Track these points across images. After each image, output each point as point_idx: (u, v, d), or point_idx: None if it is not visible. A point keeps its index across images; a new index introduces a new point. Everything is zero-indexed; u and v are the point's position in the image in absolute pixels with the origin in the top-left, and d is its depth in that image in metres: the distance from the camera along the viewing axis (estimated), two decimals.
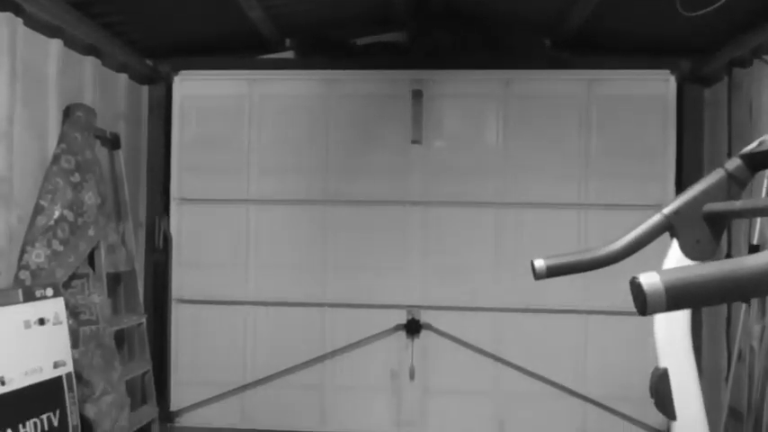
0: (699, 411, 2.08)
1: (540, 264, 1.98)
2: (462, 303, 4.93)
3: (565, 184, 4.89)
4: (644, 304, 1.07)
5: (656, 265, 1.65)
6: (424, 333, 4.96)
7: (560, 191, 4.89)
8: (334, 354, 4.99)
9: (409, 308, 4.97)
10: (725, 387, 4.06)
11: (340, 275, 5.01)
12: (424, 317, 4.96)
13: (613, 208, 4.64)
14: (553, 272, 2.03)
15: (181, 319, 5.11)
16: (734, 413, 3.88)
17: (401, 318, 4.98)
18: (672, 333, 2.08)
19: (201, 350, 5.08)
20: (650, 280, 1.06)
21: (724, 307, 4.29)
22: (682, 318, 2.08)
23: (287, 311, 5.05)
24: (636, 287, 1.08)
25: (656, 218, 1.88)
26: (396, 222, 4.99)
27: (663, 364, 2.06)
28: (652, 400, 2.07)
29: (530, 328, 4.89)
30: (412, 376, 4.93)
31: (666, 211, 1.86)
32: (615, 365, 4.79)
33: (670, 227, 1.89)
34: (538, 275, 2.02)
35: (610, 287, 4.74)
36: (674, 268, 1.13)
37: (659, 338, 2.06)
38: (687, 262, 1.86)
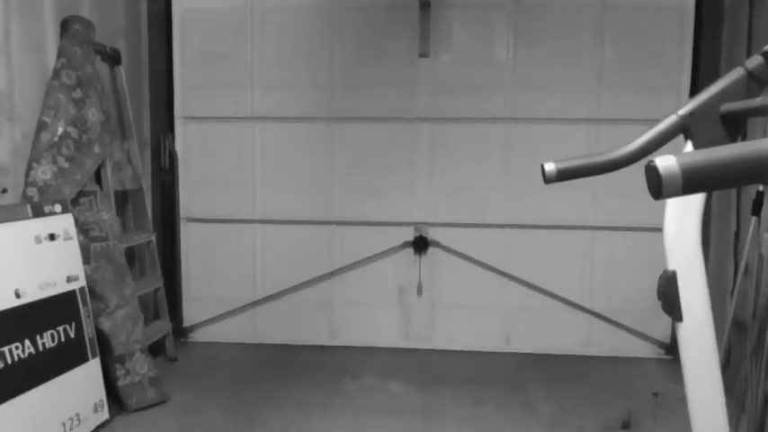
0: (705, 313, 2.09)
1: (550, 167, 1.93)
2: (470, 220, 4.93)
3: (576, 99, 4.78)
4: (659, 187, 1.03)
5: None
6: (431, 250, 4.98)
7: (571, 105, 4.78)
8: (342, 270, 5.05)
9: (417, 225, 4.97)
10: (730, 300, 4.09)
11: (347, 193, 4.99)
12: (432, 234, 4.98)
13: (626, 123, 4.56)
14: (563, 175, 1.98)
15: (190, 237, 5.16)
16: (738, 324, 3.92)
17: (409, 235, 4.99)
18: (682, 236, 2.06)
19: (212, 268, 5.15)
20: (666, 163, 1.02)
21: (733, 221, 4.28)
22: (692, 220, 2.06)
23: (295, 229, 5.07)
24: (651, 171, 1.04)
25: (670, 119, 1.82)
26: (403, 139, 4.92)
27: (671, 266, 2.06)
28: (659, 303, 2.09)
29: (537, 244, 4.90)
30: (420, 292, 4.99)
31: (681, 112, 1.80)
32: (621, 280, 4.83)
33: (685, 128, 1.84)
34: (548, 179, 1.97)
35: (617, 203, 4.78)
36: (691, 152, 1.09)
37: (669, 241, 2.05)
38: None
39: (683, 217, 2.06)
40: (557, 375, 4.47)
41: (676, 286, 2.06)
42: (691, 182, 1.02)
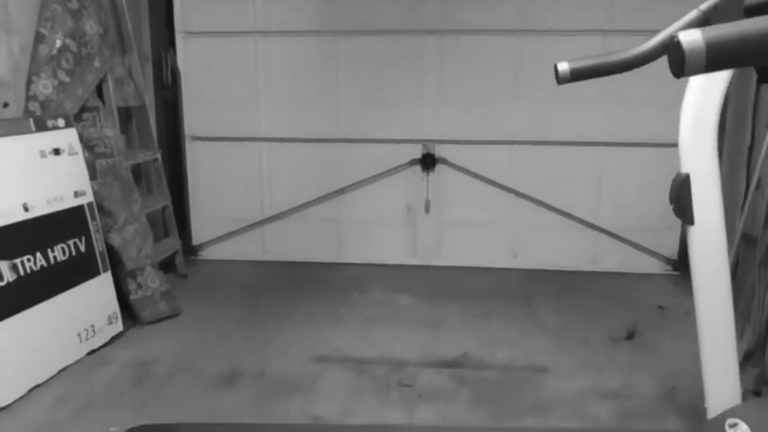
0: (717, 217, 2.07)
1: (563, 67, 1.85)
2: (478, 136, 4.85)
3: (589, 8, 4.60)
4: (681, 64, 0.97)
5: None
6: (439, 167, 4.94)
7: (584, 16, 4.61)
8: (349, 188, 5.03)
9: (424, 142, 4.91)
10: (740, 215, 4.06)
11: (353, 110, 4.91)
12: (439, 151, 4.92)
13: (642, 33, 4.37)
14: (577, 75, 1.90)
15: (196, 155, 5.12)
16: (747, 239, 3.91)
17: (416, 152, 4.94)
18: (697, 138, 2.01)
19: (219, 186, 5.14)
20: (690, 37, 0.96)
21: (747, 134, 4.19)
22: (708, 123, 2.00)
23: (301, 147, 5.02)
24: (674, 46, 0.98)
25: (691, 14, 1.74)
26: (410, 53, 4.79)
27: (685, 169, 2.02)
28: (671, 207, 2.06)
29: (545, 161, 4.84)
30: (427, 209, 4.99)
31: (703, 6, 1.71)
32: (630, 197, 4.80)
33: (706, 22, 1.75)
34: (561, 79, 1.89)
35: (628, 117, 4.68)
36: (716, 26, 1.02)
37: (683, 143, 2.00)
38: None
39: (699, 119, 2.01)
40: (563, 290, 4.52)
41: (689, 189, 2.03)
42: (715, 57, 0.97)
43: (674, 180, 2.05)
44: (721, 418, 2.20)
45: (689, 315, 3.96)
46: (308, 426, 2.74)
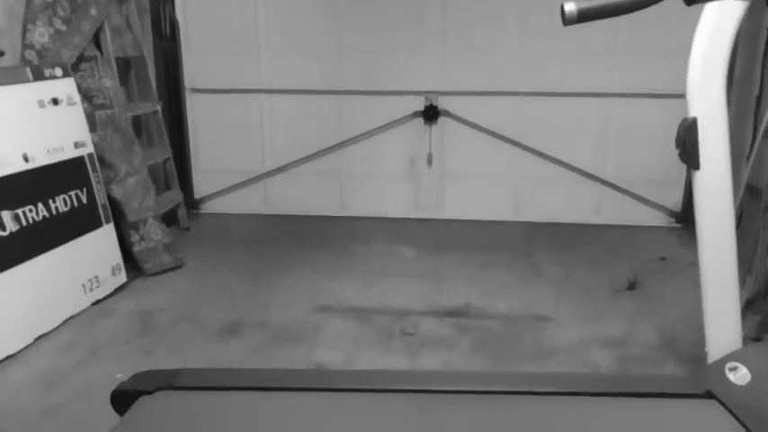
0: (724, 161, 2.04)
1: (570, 7, 1.80)
2: (482, 88, 4.78)
3: None
4: None
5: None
6: (441, 119, 4.88)
7: None
8: (351, 141, 4.99)
9: (427, 94, 4.84)
10: (745, 165, 4.03)
11: (355, 61, 4.82)
12: (442, 103, 4.85)
13: None
14: (584, 16, 1.85)
15: (196, 108, 5.06)
16: (751, 190, 3.88)
17: (419, 104, 4.87)
18: (706, 81, 1.97)
19: (220, 139, 5.10)
20: None
21: (756, 84, 4.13)
22: (717, 66, 1.96)
23: (302, 99, 4.96)
24: None
25: None
26: (413, 2, 4.67)
27: (692, 113, 1.98)
28: (677, 151, 2.03)
29: (550, 113, 4.78)
30: (430, 162, 4.95)
31: None
32: (635, 149, 4.75)
33: None
34: (567, 20, 1.84)
35: (635, 68, 4.59)
36: None
37: (692, 85, 1.96)
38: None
39: (708, 62, 1.96)
40: (565, 242, 4.51)
41: (696, 133, 2.00)
42: None
43: (680, 124, 2.02)
44: (722, 362, 2.21)
45: (691, 266, 3.97)
46: (310, 371, 2.77)
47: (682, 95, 2.00)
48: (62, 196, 3.33)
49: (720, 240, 2.22)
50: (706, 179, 2.07)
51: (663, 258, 4.16)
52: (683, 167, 4.39)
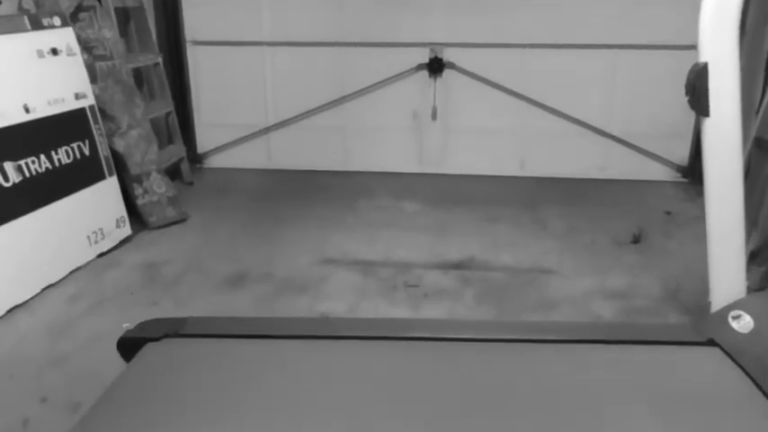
0: (734, 108, 2.00)
1: None
2: (488, 40, 4.69)
3: None
4: None
5: None
6: (446, 72, 4.80)
7: None
8: (355, 95, 4.92)
9: (432, 46, 4.75)
10: (755, 117, 3.97)
11: (359, 12, 4.72)
12: (447, 55, 4.77)
13: None
14: None
15: (198, 61, 4.99)
16: (760, 143, 3.83)
17: (423, 56, 4.79)
18: (718, 25, 1.92)
19: (222, 93, 5.04)
20: None
21: (766, 38, 4.03)
22: (730, 11, 1.91)
23: (305, 52, 4.87)
24: None
25: None
26: None
27: (703, 58, 1.94)
28: (687, 98, 2.00)
29: (556, 65, 4.69)
30: (434, 116, 4.90)
31: None
32: (643, 102, 4.67)
33: None
34: None
35: (643, 19, 4.49)
36: None
37: (703, 30, 1.91)
38: None
39: (721, 5, 1.91)
40: (571, 197, 4.49)
41: (706, 78, 1.96)
42: None
43: (691, 69, 1.98)
44: (725, 310, 2.21)
45: (697, 220, 3.96)
46: (315, 320, 2.79)
47: (693, 47, 1.96)
48: (64, 148, 3.31)
49: (727, 189, 2.20)
50: (715, 127, 2.04)
51: (668, 213, 4.14)
52: (692, 121, 4.38)
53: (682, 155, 4.74)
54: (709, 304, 2.38)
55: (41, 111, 3.18)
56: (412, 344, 2.23)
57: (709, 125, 2.04)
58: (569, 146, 4.86)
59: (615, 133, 4.79)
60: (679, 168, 4.76)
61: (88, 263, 3.45)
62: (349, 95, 4.93)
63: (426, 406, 1.87)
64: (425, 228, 3.96)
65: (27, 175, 3.06)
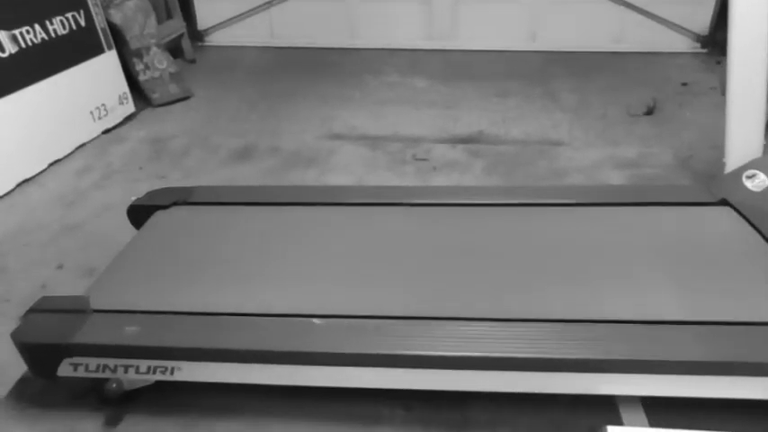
0: None
1: None
2: None
3: None
4: None
5: None
6: None
7: None
8: None
9: None
10: None
11: None
12: None
13: None
14: None
15: None
16: None
17: None
18: None
19: None
20: None
21: None
22: None
23: None
24: None
25: None
26: None
27: None
28: None
29: None
30: None
31: None
32: None
33: None
34: None
35: None
36: None
37: None
38: None
39: None
40: (584, 70, 4.34)
41: None
42: None
43: None
44: (740, 170, 2.19)
45: (714, 91, 3.84)
46: (321, 187, 2.79)
47: None
48: (59, 18, 3.17)
49: (752, 47, 2.10)
50: None
51: (684, 84, 4.01)
52: None
53: (702, 23, 4.51)
54: (721, 170, 2.34)
55: None
56: (417, 209, 2.23)
57: None
58: (583, 16, 4.63)
59: (633, 1, 4.55)
60: (698, 38, 4.56)
61: (94, 139, 3.42)
62: None
63: (433, 255, 1.90)
64: (434, 104, 3.87)
65: (23, 45, 2.96)
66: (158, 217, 2.28)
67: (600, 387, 1.50)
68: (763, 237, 1.88)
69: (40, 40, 3.05)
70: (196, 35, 4.97)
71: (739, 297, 1.64)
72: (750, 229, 1.93)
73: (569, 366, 1.47)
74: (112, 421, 1.70)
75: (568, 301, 1.66)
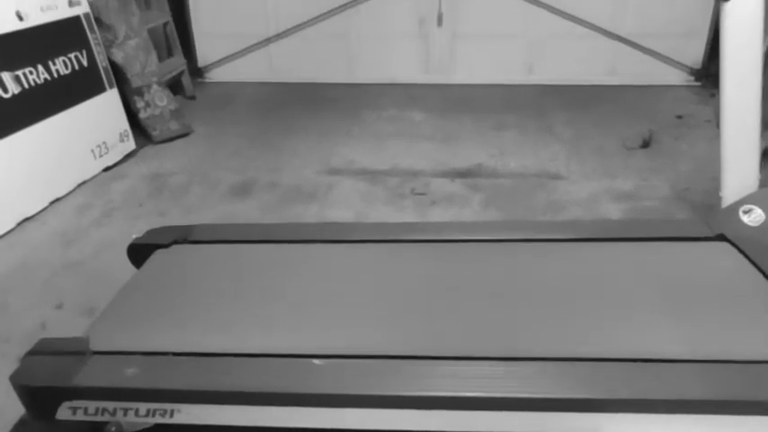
0: None
1: None
2: None
3: None
4: None
5: None
6: None
7: None
8: (359, 1, 4.74)
9: None
10: None
11: None
12: None
13: None
14: None
15: None
16: None
17: None
18: None
19: (221, 1, 4.87)
20: None
21: None
22: None
23: None
24: None
25: None
26: None
27: None
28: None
29: None
30: (440, 22, 4.74)
31: None
32: (654, 1, 4.48)
33: None
34: None
35: None
36: None
37: None
38: None
39: None
40: (580, 103, 4.40)
41: None
42: None
43: None
44: (736, 205, 2.20)
45: (709, 123, 3.89)
46: (321, 224, 2.80)
47: None
48: (61, 58, 3.23)
49: (745, 79, 2.13)
50: (735, 11, 1.96)
51: (679, 116, 4.06)
52: (708, 17, 4.21)
53: (695, 56, 4.59)
54: (718, 202, 2.36)
55: (35, 18, 3.08)
56: (416, 245, 2.24)
57: (729, 10, 1.95)
58: (578, 50, 4.71)
59: (626, 35, 4.63)
60: (692, 71, 4.63)
61: (94, 176, 3.44)
62: (352, 1, 4.75)
63: (431, 294, 1.90)
64: (432, 137, 3.91)
65: (26, 86, 3.00)
66: (158, 256, 2.28)
67: (600, 427, 1.49)
68: (762, 272, 1.88)
69: (42, 80, 3.09)
70: (196, 72, 5.04)
71: (740, 334, 1.63)
72: (748, 264, 1.94)
73: (568, 406, 1.47)
74: None
75: (567, 339, 1.65)
